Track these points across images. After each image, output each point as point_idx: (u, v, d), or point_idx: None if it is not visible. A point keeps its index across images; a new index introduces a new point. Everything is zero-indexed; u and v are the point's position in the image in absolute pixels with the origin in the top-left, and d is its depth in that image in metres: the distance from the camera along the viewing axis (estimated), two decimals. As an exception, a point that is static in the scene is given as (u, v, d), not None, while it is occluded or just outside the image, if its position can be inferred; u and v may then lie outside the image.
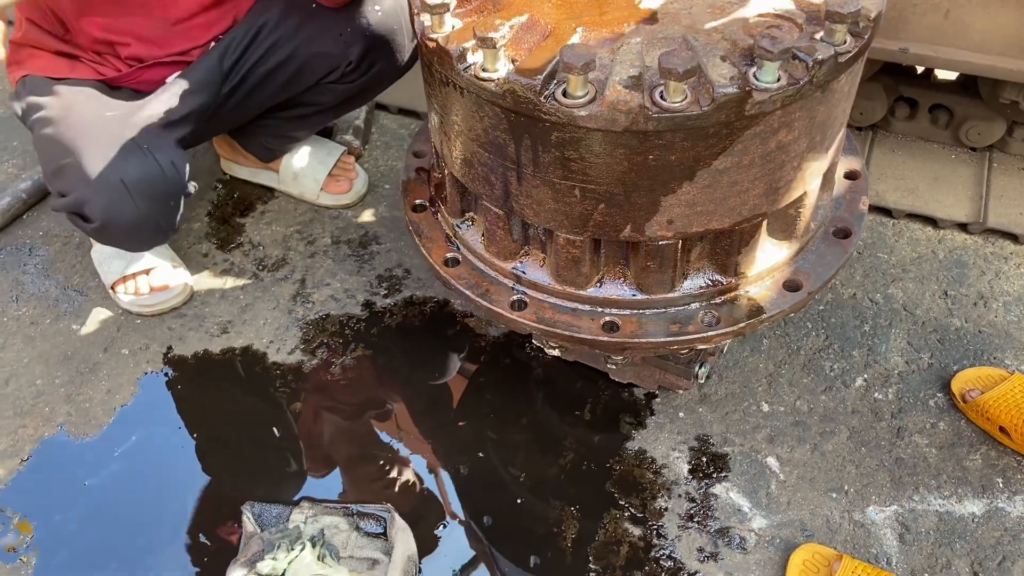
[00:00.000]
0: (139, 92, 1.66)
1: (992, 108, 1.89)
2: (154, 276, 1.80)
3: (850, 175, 1.42)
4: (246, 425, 1.66)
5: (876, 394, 1.60)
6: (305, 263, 1.93)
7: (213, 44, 1.68)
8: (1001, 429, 1.46)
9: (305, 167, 2.01)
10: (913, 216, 1.91)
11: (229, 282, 1.90)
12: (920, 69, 2.00)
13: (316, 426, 1.65)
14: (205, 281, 1.90)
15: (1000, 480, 1.46)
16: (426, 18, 1.11)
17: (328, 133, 2.15)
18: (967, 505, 1.44)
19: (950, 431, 1.53)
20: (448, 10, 1.09)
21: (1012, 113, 1.87)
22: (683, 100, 1.00)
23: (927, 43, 1.75)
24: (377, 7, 1.65)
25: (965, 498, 1.45)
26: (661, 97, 1.00)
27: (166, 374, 1.73)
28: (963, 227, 1.87)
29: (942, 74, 2.02)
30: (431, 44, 1.10)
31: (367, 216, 2.03)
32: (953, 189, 1.92)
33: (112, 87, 1.65)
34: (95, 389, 1.71)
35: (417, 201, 1.44)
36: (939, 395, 1.59)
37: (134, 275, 1.79)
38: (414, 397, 1.70)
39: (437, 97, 1.19)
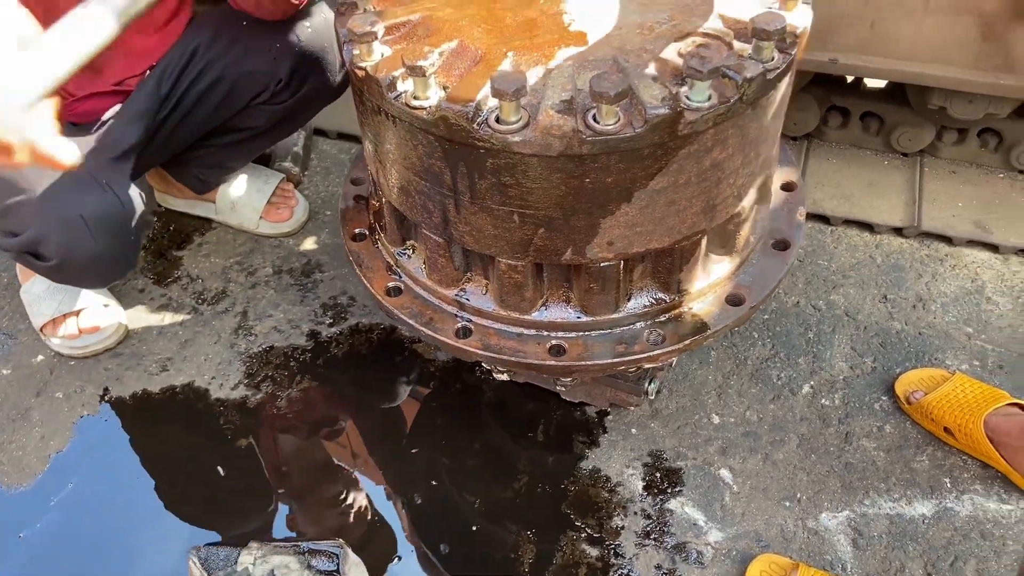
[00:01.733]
0: (76, 125, 1.61)
1: (921, 114, 1.94)
2: (84, 317, 1.74)
3: (786, 186, 1.44)
4: (190, 465, 1.60)
5: (823, 400, 1.62)
6: (246, 295, 1.88)
7: (149, 71, 1.64)
8: (946, 430, 1.49)
9: (243, 196, 1.97)
10: (850, 222, 1.94)
11: (167, 318, 1.84)
12: (850, 78, 2.04)
13: (264, 462, 1.61)
14: (142, 318, 1.84)
15: (948, 480, 1.48)
16: (354, 47, 1.09)
17: (266, 160, 2.11)
18: (917, 507, 1.46)
19: (896, 434, 1.56)
20: (376, 38, 1.07)
21: (940, 118, 1.92)
22: (616, 122, 0.99)
23: (855, 53, 1.79)
24: (307, 24, 1.63)
25: (915, 500, 1.47)
26: (594, 120, 0.99)
27: (104, 417, 1.67)
28: (899, 231, 1.91)
29: (871, 82, 2.06)
30: (360, 73, 1.08)
31: (309, 244, 1.99)
32: (887, 194, 1.97)
33: None
34: (28, 436, 1.64)
35: (356, 230, 1.41)
36: (884, 398, 1.61)
37: (64, 317, 1.73)
38: (364, 427, 1.66)
39: (370, 126, 1.18)
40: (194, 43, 1.64)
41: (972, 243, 1.86)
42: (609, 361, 1.21)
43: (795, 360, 1.69)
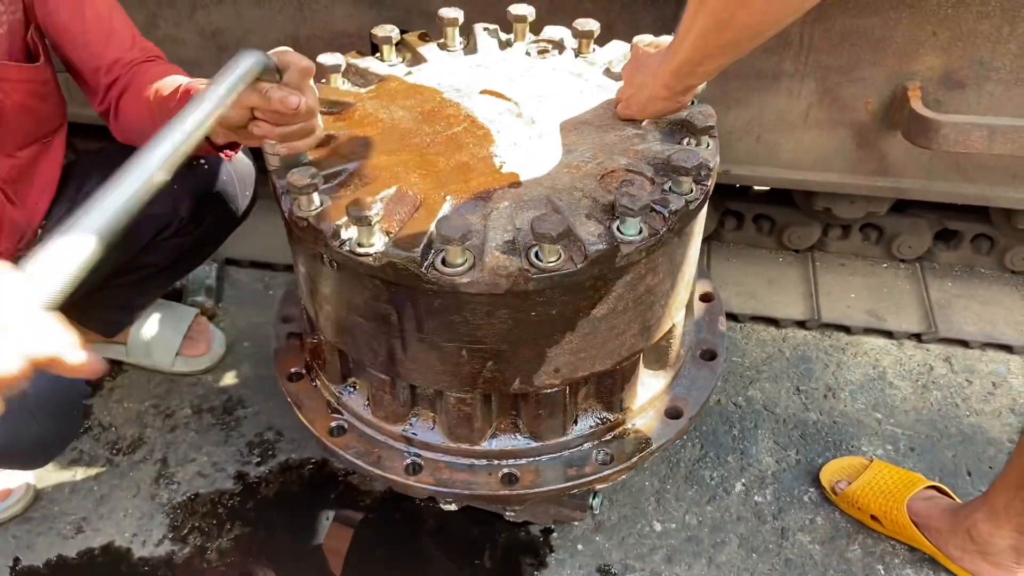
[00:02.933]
0: None
1: (808, 214, 2.10)
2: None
3: (705, 298, 1.52)
4: (114, 635, 1.49)
5: (756, 497, 1.67)
6: (165, 440, 1.80)
7: (40, 229, 1.55)
8: (873, 517, 1.56)
9: (156, 336, 1.90)
10: (757, 319, 2.05)
11: (80, 473, 1.73)
12: (738, 185, 2.20)
13: (196, 622, 1.51)
14: (51, 476, 1.72)
15: (881, 567, 1.54)
16: (294, 198, 1.11)
17: (178, 296, 2.05)
18: (857, 596, 1.51)
19: (828, 525, 1.62)
20: (316, 189, 1.09)
21: (826, 217, 2.08)
22: (558, 259, 1.04)
23: (746, 164, 1.94)
24: (202, 160, 1.60)
25: (854, 590, 1.52)
26: (537, 258, 1.04)
27: (14, 591, 1.54)
28: (801, 324, 2.03)
29: (760, 187, 2.22)
30: (302, 224, 1.09)
31: (229, 379, 1.93)
32: (786, 290, 2.10)
33: None
34: (-75, 622, 1.49)
35: (292, 370, 1.39)
36: (811, 490, 1.68)
37: (-36, 487, 1.60)
38: (302, 569, 1.59)
39: (310, 270, 1.18)
40: (80, 193, 1.54)
41: (869, 331, 2.00)
42: (562, 486, 1.23)
43: (724, 458, 1.75)
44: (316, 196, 1.10)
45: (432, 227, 1.06)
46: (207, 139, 1.32)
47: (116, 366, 1.96)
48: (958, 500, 1.55)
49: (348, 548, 1.63)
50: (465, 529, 1.64)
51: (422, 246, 1.04)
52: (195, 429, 1.82)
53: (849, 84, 1.77)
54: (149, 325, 1.91)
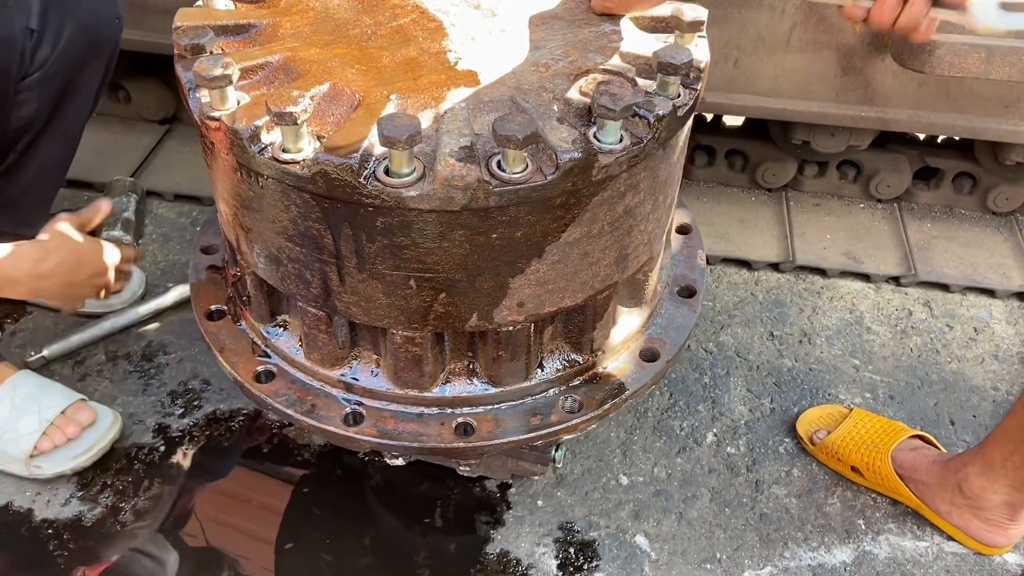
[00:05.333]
0: None
1: (783, 149, 1.96)
2: None
3: (682, 229, 1.37)
4: (12, 608, 1.31)
5: (728, 448, 1.55)
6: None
7: None
8: (853, 468, 1.45)
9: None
10: (728, 260, 1.92)
11: (-26, 425, 1.53)
12: (709, 117, 2.05)
13: (108, 592, 1.34)
14: (-60, 429, 1.51)
15: (861, 522, 1.44)
16: (203, 93, 0.91)
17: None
18: (836, 554, 1.40)
19: (805, 477, 1.51)
20: (230, 82, 0.90)
21: (802, 152, 1.95)
22: (524, 170, 0.87)
23: (721, 91, 1.78)
24: None
25: (833, 547, 1.41)
26: (499, 168, 0.87)
27: None
28: (775, 266, 1.91)
29: (730, 120, 2.07)
30: (213, 124, 0.90)
31: (148, 323, 1.73)
32: (759, 231, 1.97)
33: None
34: None
35: (212, 307, 1.21)
36: (787, 440, 1.57)
37: None
38: (230, 535, 1.43)
39: (226, 185, 0.99)
40: None
41: (845, 273, 1.88)
42: (524, 436, 1.08)
43: (695, 408, 1.62)
44: (231, 92, 0.91)
45: (373, 130, 0.88)
46: None
47: (18, 306, 1.74)
48: (944, 451, 1.45)
49: (285, 507, 1.47)
50: (414, 486, 1.49)
51: (360, 152, 0.86)
52: (109, 377, 1.62)
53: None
54: (55, 261, 1.68)
